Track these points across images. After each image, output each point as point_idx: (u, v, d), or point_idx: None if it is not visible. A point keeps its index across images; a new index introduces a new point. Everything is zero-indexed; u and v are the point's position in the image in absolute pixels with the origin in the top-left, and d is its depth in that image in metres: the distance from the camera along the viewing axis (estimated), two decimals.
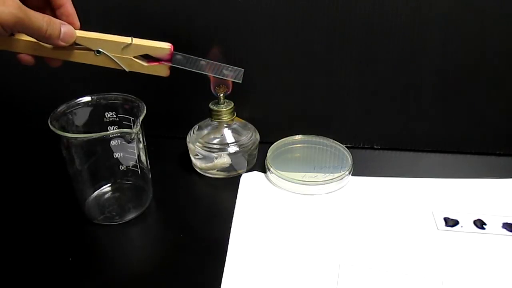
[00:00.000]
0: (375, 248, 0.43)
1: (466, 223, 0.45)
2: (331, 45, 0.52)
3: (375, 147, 0.59)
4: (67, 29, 0.40)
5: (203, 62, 0.45)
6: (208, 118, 0.54)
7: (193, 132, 0.54)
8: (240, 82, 0.46)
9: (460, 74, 0.52)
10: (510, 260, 0.41)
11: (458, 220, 0.46)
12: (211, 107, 0.52)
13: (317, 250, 0.43)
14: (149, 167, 0.48)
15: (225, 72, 0.45)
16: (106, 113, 0.47)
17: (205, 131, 0.54)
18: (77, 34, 0.41)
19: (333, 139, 0.56)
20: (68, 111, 0.45)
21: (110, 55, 0.42)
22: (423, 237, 0.44)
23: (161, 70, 0.44)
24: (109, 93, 0.46)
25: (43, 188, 0.52)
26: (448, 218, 0.46)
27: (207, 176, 0.54)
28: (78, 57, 0.43)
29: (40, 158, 0.58)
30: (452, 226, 0.45)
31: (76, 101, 0.45)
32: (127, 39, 0.42)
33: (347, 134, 0.58)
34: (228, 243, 0.43)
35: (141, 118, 0.43)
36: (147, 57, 0.44)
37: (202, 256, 0.43)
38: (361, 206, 0.48)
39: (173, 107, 0.59)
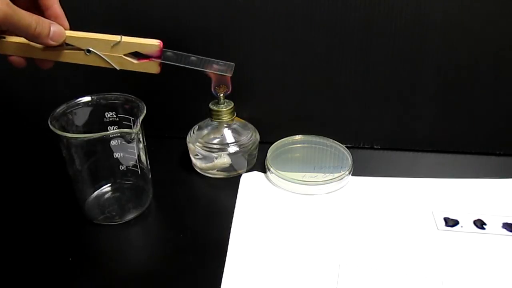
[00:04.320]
0: (375, 248, 0.43)
1: (466, 223, 0.45)
2: (331, 45, 0.52)
3: (375, 147, 0.59)
4: (57, 28, 0.41)
5: (193, 57, 0.45)
6: (208, 118, 0.54)
7: (193, 132, 0.54)
8: (231, 75, 0.46)
9: (460, 74, 0.52)
10: (510, 260, 0.41)
11: (458, 220, 0.46)
12: (211, 107, 0.52)
13: (317, 250, 0.43)
14: (149, 167, 0.48)
15: (215, 66, 0.46)
16: (106, 113, 0.47)
17: (205, 131, 0.54)
18: (67, 34, 0.42)
19: (333, 139, 0.56)
20: (68, 111, 0.45)
21: (100, 54, 0.42)
22: (423, 237, 0.44)
23: (151, 67, 0.44)
24: (109, 93, 0.46)
25: (43, 188, 0.52)
26: (448, 218, 0.46)
27: (207, 176, 0.54)
28: (69, 57, 0.43)
29: (40, 158, 0.58)
30: (452, 226, 0.45)
31: (76, 101, 0.45)
32: (116, 37, 0.42)
33: (347, 134, 0.58)
34: (228, 243, 0.43)
35: (141, 118, 0.43)
36: (137, 55, 0.44)
37: (202, 256, 0.43)
38: (361, 206, 0.48)
39: (173, 107, 0.59)
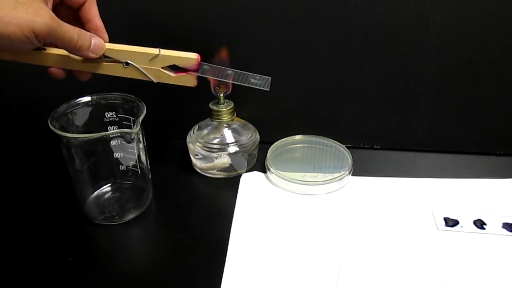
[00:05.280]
0: (375, 248, 0.43)
1: (466, 223, 0.45)
2: (331, 45, 0.52)
3: (375, 147, 0.59)
4: (97, 41, 0.41)
5: (229, 71, 0.45)
6: (208, 118, 0.54)
7: (193, 132, 0.54)
8: (268, 90, 0.46)
9: (460, 74, 0.52)
10: (510, 260, 0.41)
11: (458, 220, 0.46)
12: (211, 107, 0.52)
13: (317, 250, 0.43)
14: (149, 167, 0.48)
15: (252, 80, 0.46)
16: (106, 113, 0.47)
17: (205, 131, 0.54)
18: (106, 46, 0.42)
19: (333, 139, 0.56)
20: (68, 111, 0.45)
21: (138, 67, 0.43)
22: (423, 237, 0.44)
23: (189, 81, 0.45)
24: (109, 93, 0.47)
25: (43, 188, 0.52)
26: (448, 218, 0.46)
27: (207, 176, 0.54)
28: (107, 69, 0.43)
29: (40, 158, 0.58)
30: (452, 226, 0.45)
31: (76, 101, 0.45)
32: (154, 50, 0.43)
33: (347, 134, 0.58)
34: (228, 243, 0.43)
35: (141, 118, 0.43)
36: (174, 68, 0.44)
37: (202, 256, 0.43)
38: (361, 206, 0.48)
39: (173, 107, 0.59)
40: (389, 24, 0.50)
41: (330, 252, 0.42)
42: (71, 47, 0.39)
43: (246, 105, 0.56)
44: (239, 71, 0.45)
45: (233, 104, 0.52)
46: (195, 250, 0.43)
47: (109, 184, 0.50)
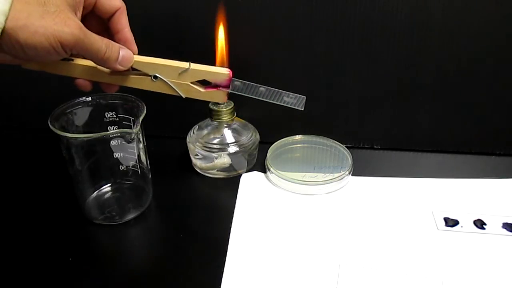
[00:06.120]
0: (375, 248, 0.43)
1: (466, 223, 0.45)
2: (331, 45, 0.52)
3: (375, 147, 0.59)
4: (126, 52, 0.40)
5: (262, 88, 0.43)
6: (208, 118, 0.54)
7: (193, 132, 0.54)
8: (303, 109, 0.44)
9: (460, 74, 0.52)
10: (510, 260, 0.41)
11: (458, 220, 0.46)
12: (211, 107, 0.52)
13: (317, 250, 0.43)
14: (149, 167, 0.48)
15: (285, 99, 0.43)
16: (106, 113, 0.47)
17: (205, 131, 0.54)
18: (135, 59, 0.41)
19: (333, 139, 0.56)
20: (68, 111, 0.45)
21: (167, 81, 0.42)
22: (423, 237, 0.44)
23: (219, 97, 0.44)
24: (109, 93, 0.46)
25: (43, 188, 0.52)
26: (448, 218, 0.46)
27: (207, 176, 0.54)
28: (135, 82, 0.42)
29: (40, 158, 0.58)
30: (452, 226, 0.45)
31: (76, 101, 0.45)
32: (184, 64, 0.42)
33: (347, 134, 0.58)
34: (228, 243, 0.43)
35: (141, 118, 0.43)
36: (204, 83, 0.43)
37: (202, 256, 0.43)
38: (361, 206, 0.48)
39: (173, 107, 0.59)
40: (389, 24, 0.50)
41: (330, 252, 0.42)
42: (99, 59, 0.38)
43: (246, 105, 0.56)
44: (273, 88, 0.43)
45: (233, 104, 0.52)
46: (195, 250, 0.43)
47: (109, 184, 0.50)
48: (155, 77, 0.42)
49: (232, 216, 0.47)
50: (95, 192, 0.49)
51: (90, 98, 0.46)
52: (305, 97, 0.44)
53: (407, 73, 0.53)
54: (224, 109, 0.52)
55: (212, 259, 0.42)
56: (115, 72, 0.41)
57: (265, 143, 0.56)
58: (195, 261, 0.42)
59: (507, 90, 0.53)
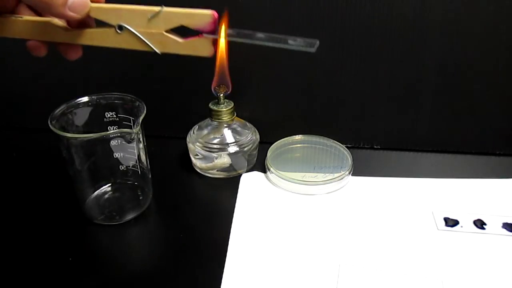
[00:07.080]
0: (375, 248, 0.43)
1: (466, 223, 0.45)
2: (331, 45, 0.52)
3: (375, 147, 0.59)
4: None
5: (260, 34, 0.35)
6: (208, 118, 0.54)
7: (193, 132, 0.54)
8: (314, 51, 0.36)
9: (460, 74, 0.52)
10: (510, 260, 0.41)
11: (458, 220, 0.46)
12: (211, 107, 0.52)
13: (317, 250, 0.43)
14: (149, 167, 0.48)
15: (291, 42, 0.35)
16: (106, 113, 0.47)
17: (205, 131, 0.54)
18: (92, 5, 0.34)
19: (333, 139, 0.56)
20: (68, 111, 0.45)
21: (135, 31, 0.34)
22: (423, 237, 0.44)
23: (203, 48, 0.35)
24: (109, 93, 0.46)
25: (43, 188, 0.52)
26: (448, 218, 0.46)
27: (207, 176, 0.54)
28: (96, 38, 0.35)
29: (40, 158, 0.58)
30: (452, 226, 0.45)
31: (76, 101, 0.45)
32: (155, 8, 0.34)
33: (347, 134, 0.58)
34: (228, 243, 0.43)
35: (141, 118, 0.43)
36: (183, 35, 0.35)
37: (202, 256, 0.43)
38: (361, 206, 0.48)
39: (173, 107, 0.59)
40: (389, 23, 0.50)
41: (330, 252, 0.42)
42: (42, 2, 0.32)
43: (246, 105, 0.56)
44: (274, 34, 0.36)
45: (233, 104, 0.52)
46: (195, 250, 0.43)
47: (109, 184, 0.50)
48: (120, 27, 0.34)
49: (232, 216, 0.47)
50: (95, 192, 0.49)
51: (90, 98, 0.46)
52: (318, 40, 0.36)
53: (407, 73, 0.53)
54: (224, 109, 0.52)
55: (212, 259, 0.42)
56: (70, 28, 0.35)
57: (265, 143, 0.56)
58: (195, 261, 0.42)
59: (507, 90, 0.53)
